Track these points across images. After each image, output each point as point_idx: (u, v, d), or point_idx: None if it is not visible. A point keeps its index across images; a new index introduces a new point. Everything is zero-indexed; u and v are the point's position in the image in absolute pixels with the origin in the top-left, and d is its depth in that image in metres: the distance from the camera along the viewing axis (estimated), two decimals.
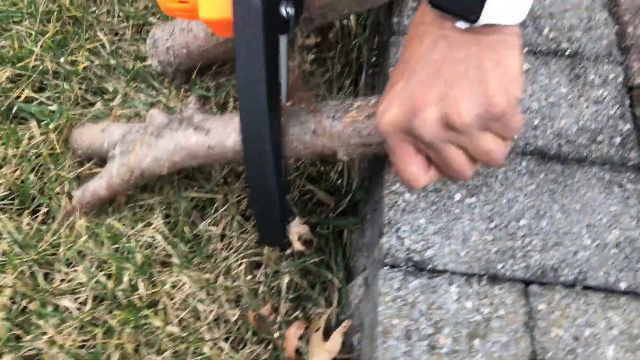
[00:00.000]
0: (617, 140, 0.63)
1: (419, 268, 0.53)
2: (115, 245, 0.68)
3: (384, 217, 0.55)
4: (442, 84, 0.43)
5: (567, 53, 0.68)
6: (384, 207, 0.56)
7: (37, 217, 0.71)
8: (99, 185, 0.67)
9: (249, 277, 0.67)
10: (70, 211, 0.69)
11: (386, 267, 0.52)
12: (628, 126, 0.64)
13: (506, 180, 0.59)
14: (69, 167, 0.74)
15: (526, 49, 0.68)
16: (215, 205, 0.72)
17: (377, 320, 0.50)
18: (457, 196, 0.57)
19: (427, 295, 0.51)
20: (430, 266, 0.53)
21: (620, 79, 0.67)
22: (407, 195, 0.56)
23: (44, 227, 0.70)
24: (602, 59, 0.68)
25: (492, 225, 0.56)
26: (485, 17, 0.40)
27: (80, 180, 0.73)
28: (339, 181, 0.74)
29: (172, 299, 0.65)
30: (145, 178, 0.66)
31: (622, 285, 0.54)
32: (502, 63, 0.42)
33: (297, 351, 0.63)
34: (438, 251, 0.54)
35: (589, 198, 0.58)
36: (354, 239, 0.69)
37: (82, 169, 0.74)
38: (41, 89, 0.82)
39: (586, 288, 0.54)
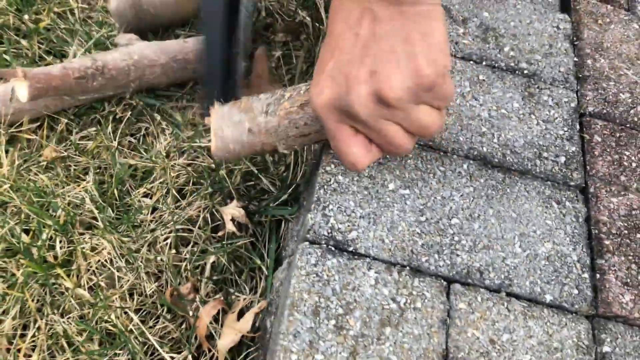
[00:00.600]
0: (562, 159, 0.62)
1: (339, 248, 0.51)
2: (40, 201, 0.65)
3: (314, 196, 0.53)
4: (371, 60, 0.43)
5: (524, 72, 0.69)
6: (315, 185, 0.54)
7: None
8: (55, 66, 0.65)
9: (174, 252, 0.64)
10: (13, 73, 0.64)
11: (306, 243, 0.50)
12: (574, 148, 0.64)
13: (444, 179, 0.57)
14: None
15: (484, 63, 0.68)
16: (153, 176, 0.69)
17: (288, 292, 0.47)
18: (391, 186, 0.55)
19: (343, 276, 0.49)
20: (351, 248, 0.51)
21: (573, 104, 0.67)
22: (340, 177, 0.55)
23: None
24: (558, 83, 0.69)
25: (423, 218, 0.54)
26: None
27: (13, 141, 0.70)
28: (285, 173, 0.72)
29: (88, 262, 0.62)
30: (106, 75, 0.66)
31: (547, 297, 0.52)
32: (428, 34, 0.42)
33: (209, 335, 0.59)
34: (362, 235, 0.52)
35: (526, 209, 0.57)
36: (289, 229, 0.67)
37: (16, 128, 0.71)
38: (1, 42, 0.80)
39: (510, 295, 0.52)
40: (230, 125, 0.54)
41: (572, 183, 0.61)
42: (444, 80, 0.43)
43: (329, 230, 0.51)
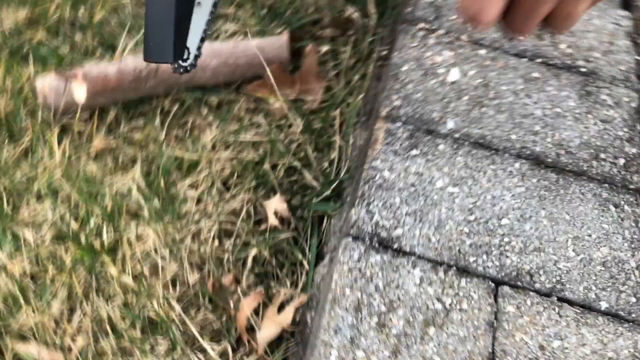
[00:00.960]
0: (621, 161, 0.59)
1: (383, 245, 0.49)
2: (90, 189, 0.66)
3: (358, 190, 0.52)
4: None
5: (582, 70, 0.66)
6: (360, 180, 0.53)
7: (21, 148, 0.70)
8: (110, 66, 0.67)
9: (217, 244, 0.65)
10: (73, 75, 0.65)
11: (349, 238, 0.49)
12: (635, 150, 0.60)
13: (495, 177, 0.55)
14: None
15: (538, 60, 0.65)
16: (199, 168, 0.70)
17: (330, 287, 0.46)
18: (439, 183, 0.54)
19: (387, 273, 0.48)
20: (396, 245, 0.49)
21: (634, 104, 0.64)
22: (386, 172, 0.54)
23: (24, 159, 0.69)
24: (618, 82, 0.65)
25: (472, 217, 0.52)
26: None
27: (65, 131, 0.72)
28: (328, 168, 0.71)
29: (133, 251, 0.63)
30: (159, 77, 0.66)
31: (603, 305, 0.50)
32: None
33: (249, 327, 0.59)
34: (408, 232, 0.50)
35: (580, 211, 0.55)
36: (332, 225, 0.66)
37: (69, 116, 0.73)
38: (56, 35, 0.82)
39: (562, 300, 0.50)
40: None
41: (631, 186, 0.58)
42: None
43: (373, 227, 0.50)
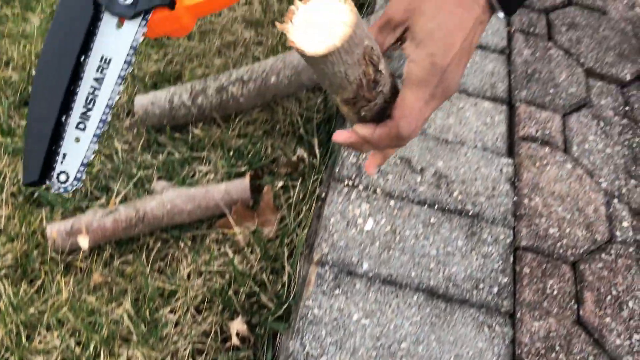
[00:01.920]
0: (495, 289, 0.79)
1: None
2: (90, 318, 0.84)
3: (295, 325, 0.71)
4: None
5: (469, 213, 0.86)
6: (297, 317, 0.72)
7: (33, 286, 0.87)
8: (107, 218, 0.85)
9: None
10: (79, 231, 0.85)
11: None
12: (507, 279, 0.80)
13: (398, 309, 0.74)
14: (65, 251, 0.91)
15: (436, 207, 0.86)
16: (177, 296, 0.88)
17: None
18: (355, 316, 0.73)
19: None
20: None
21: (508, 240, 0.84)
22: (316, 310, 0.72)
23: (36, 296, 0.86)
24: (498, 222, 0.86)
25: (379, 343, 0.71)
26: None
27: (70, 267, 0.90)
28: (281, 290, 0.90)
29: None
30: (145, 222, 0.84)
31: None
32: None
33: None
34: (331, 359, 0.69)
35: (462, 333, 0.74)
36: (283, 341, 0.84)
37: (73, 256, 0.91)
38: None
39: None
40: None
41: (502, 309, 0.77)
42: None
43: (305, 356, 0.68)
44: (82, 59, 0.60)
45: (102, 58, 0.61)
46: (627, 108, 1.13)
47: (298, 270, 0.90)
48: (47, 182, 0.60)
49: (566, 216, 0.89)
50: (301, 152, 1.08)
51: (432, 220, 0.84)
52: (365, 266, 0.78)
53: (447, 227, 0.84)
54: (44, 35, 1.20)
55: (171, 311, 0.87)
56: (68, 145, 0.61)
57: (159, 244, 0.93)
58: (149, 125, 1.06)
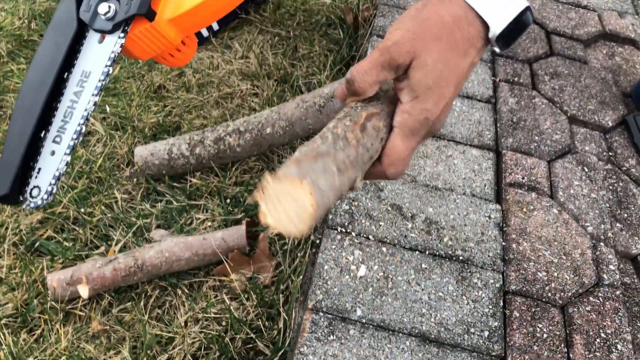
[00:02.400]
0: (486, 333, 0.81)
1: None
2: None
3: None
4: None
5: (460, 259, 0.89)
6: None
7: (33, 335, 0.89)
8: (106, 267, 0.87)
9: None
10: (79, 280, 0.86)
11: None
12: (497, 323, 0.82)
13: (391, 354, 0.76)
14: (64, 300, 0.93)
15: (427, 252, 0.89)
16: (174, 343, 0.89)
17: None
18: None
19: None
20: None
21: (498, 284, 0.87)
22: (310, 356, 0.74)
23: (35, 345, 0.88)
24: (487, 267, 0.89)
25: None
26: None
27: (69, 315, 0.92)
28: (277, 337, 0.91)
29: None
30: (144, 270, 0.86)
31: None
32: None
33: None
34: None
35: None
36: None
37: (73, 305, 0.93)
38: (61, 230, 1.04)
39: None
40: (321, 174, 0.46)
41: (493, 353, 0.79)
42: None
43: None
44: (66, 75, 0.62)
45: (82, 72, 0.63)
46: (610, 153, 1.17)
47: (293, 316, 0.91)
48: (21, 198, 0.60)
49: (554, 260, 0.91)
50: None
51: (423, 265, 0.87)
52: (359, 312, 0.80)
53: (438, 272, 0.86)
54: None
55: (169, 358, 0.88)
56: (44, 159, 0.61)
57: (157, 292, 0.95)
58: (148, 175, 1.09)
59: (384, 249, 0.88)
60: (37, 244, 1.01)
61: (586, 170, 1.09)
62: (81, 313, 0.92)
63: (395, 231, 0.91)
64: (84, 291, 0.87)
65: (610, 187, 1.10)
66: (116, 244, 1.01)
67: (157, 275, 0.95)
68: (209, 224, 1.07)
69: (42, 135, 0.62)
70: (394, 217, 0.92)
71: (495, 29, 0.50)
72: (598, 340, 0.83)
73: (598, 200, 1.04)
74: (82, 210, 1.06)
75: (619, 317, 0.86)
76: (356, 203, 0.93)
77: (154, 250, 0.92)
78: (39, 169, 0.62)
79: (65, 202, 1.05)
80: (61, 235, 1.02)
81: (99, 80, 0.64)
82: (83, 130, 0.63)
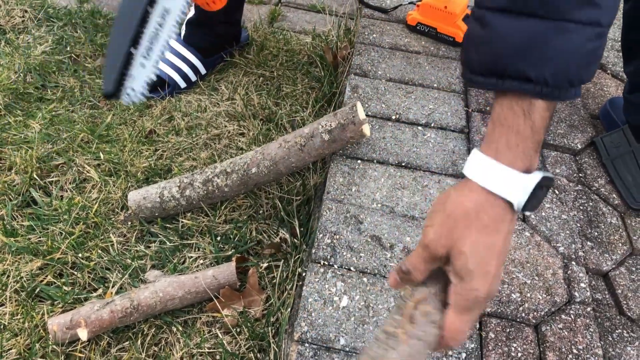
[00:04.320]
0: (463, 355, 0.85)
1: None
2: None
3: None
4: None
5: None
6: None
7: None
8: (104, 310, 0.92)
9: None
10: (78, 324, 0.93)
11: None
12: (473, 345, 0.87)
13: None
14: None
15: None
16: None
17: None
18: None
19: None
20: None
21: None
22: None
23: None
24: None
25: None
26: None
27: (70, 357, 0.97)
28: None
29: None
30: (140, 311, 0.91)
31: None
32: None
33: None
34: None
35: None
36: None
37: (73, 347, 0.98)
38: (60, 276, 1.09)
39: None
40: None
41: None
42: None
43: None
44: (150, 8, 0.86)
45: (163, 8, 0.87)
46: (580, 175, 1.24)
47: (283, 347, 0.96)
48: (119, 96, 0.87)
49: (527, 281, 0.97)
50: (283, 233, 1.17)
51: (401, 292, 0.92)
52: (342, 341, 0.85)
53: None
54: (45, 140, 1.32)
55: None
56: (135, 69, 0.87)
57: (153, 330, 1.00)
58: (141, 218, 1.15)
59: (365, 279, 0.93)
60: (37, 289, 1.06)
61: (557, 192, 1.15)
62: (81, 355, 0.97)
63: (375, 261, 0.96)
64: (83, 334, 0.91)
65: (581, 207, 1.15)
66: (113, 286, 1.06)
67: (152, 314, 0.99)
68: (201, 261, 1.12)
69: (132, 51, 0.86)
70: (373, 248, 0.98)
71: (519, 203, 0.54)
72: (570, 356, 0.87)
73: (569, 220, 1.09)
74: (80, 255, 1.11)
75: (590, 333, 0.91)
76: (337, 236, 0.99)
77: (149, 291, 0.97)
78: (132, 75, 0.88)
79: (64, 247, 1.11)
80: (60, 280, 1.07)
81: (178, 17, 0.90)
82: (165, 52, 0.92)
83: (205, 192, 1.14)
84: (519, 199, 0.53)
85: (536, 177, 0.53)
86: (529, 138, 0.53)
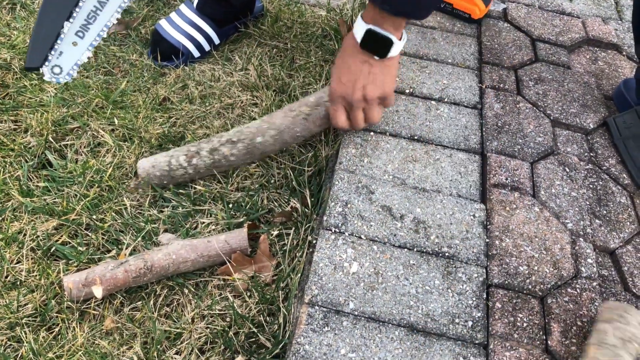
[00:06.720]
0: (470, 323, 0.87)
1: None
2: None
3: None
4: (366, 82, 1.04)
5: (446, 255, 0.95)
6: (291, 354, 0.80)
7: (52, 332, 0.96)
8: (118, 269, 0.94)
9: None
10: (93, 281, 0.95)
11: None
12: (480, 314, 0.89)
13: (381, 343, 0.83)
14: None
15: (415, 250, 0.95)
16: (182, 339, 0.96)
17: None
18: (343, 351, 0.81)
19: None
20: None
21: (481, 278, 0.93)
22: (307, 346, 0.81)
23: (54, 342, 0.95)
24: (471, 262, 0.95)
25: None
26: (390, 55, 1.02)
27: (84, 314, 0.99)
28: (277, 330, 0.98)
29: None
30: (153, 272, 0.93)
31: None
32: (390, 75, 1.05)
33: None
34: None
35: None
36: None
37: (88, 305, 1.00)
38: (75, 236, 1.11)
39: None
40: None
41: (476, 342, 0.85)
42: (391, 97, 1.08)
43: None
44: None
45: None
46: (591, 154, 1.24)
47: (292, 311, 0.98)
48: (41, 70, 0.82)
49: (535, 255, 0.98)
50: (294, 202, 1.18)
51: (411, 262, 0.93)
52: (352, 305, 0.86)
53: (425, 268, 0.93)
54: (60, 104, 1.33)
55: (177, 352, 0.95)
56: (65, 46, 0.81)
57: (165, 291, 1.02)
58: (153, 185, 1.17)
59: (375, 247, 0.95)
60: (53, 249, 1.08)
61: (567, 170, 1.16)
62: (95, 312, 0.99)
63: (385, 230, 0.97)
64: (98, 292, 0.94)
65: (591, 186, 1.16)
66: (126, 248, 1.08)
67: (165, 275, 1.02)
68: (213, 227, 1.14)
69: (64, 24, 0.81)
70: (384, 218, 0.99)
71: (360, 39, 1.02)
72: (574, 328, 0.89)
73: (578, 198, 1.10)
74: (94, 217, 1.13)
75: (595, 307, 0.92)
76: (349, 205, 1.00)
77: (162, 252, 0.99)
78: (60, 52, 0.82)
79: (78, 209, 1.13)
80: (75, 241, 1.09)
81: (122, 2, 0.84)
82: (104, 35, 0.85)
83: (212, 160, 1.16)
84: (358, 37, 1.01)
85: (365, 26, 1.00)
86: (387, 19, 0.99)
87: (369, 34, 0.99)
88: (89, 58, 0.82)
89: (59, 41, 0.82)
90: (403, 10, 0.96)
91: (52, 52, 0.82)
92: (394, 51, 1.00)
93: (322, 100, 1.15)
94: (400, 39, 1.01)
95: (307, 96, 1.15)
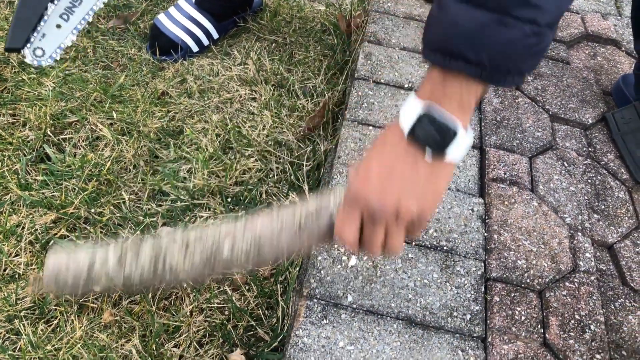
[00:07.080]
0: (468, 317, 0.87)
1: None
2: (101, 354, 0.92)
3: (287, 353, 0.79)
4: (405, 190, 0.64)
5: (444, 249, 0.96)
6: (289, 346, 0.80)
7: (50, 325, 0.96)
8: None
9: None
10: None
11: None
12: (478, 307, 0.89)
13: (379, 336, 0.83)
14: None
15: (414, 243, 0.96)
16: (180, 332, 0.96)
17: None
18: (341, 343, 0.81)
19: None
20: None
21: (480, 272, 0.93)
22: (305, 339, 0.81)
23: (52, 334, 0.95)
24: (470, 255, 0.95)
25: None
26: (449, 154, 0.63)
27: (82, 307, 0.99)
28: (276, 324, 0.98)
29: None
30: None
31: None
32: (437, 188, 0.66)
33: None
34: None
35: (438, 357, 0.82)
36: None
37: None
38: (73, 229, 1.11)
39: None
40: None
41: (474, 335, 0.85)
42: (424, 221, 0.67)
43: None
44: None
45: None
46: (590, 149, 1.24)
47: (291, 305, 0.98)
48: (22, 51, 0.78)
49: (533, 249, 0.98)
50: (293, 196, 1.18)
51: (410, 255, 0.93)
52: (350, 298, 0.87)
53: (424, 261, 0.93)
54: (58, 98, 1.33)
55: (175, 345, 0.95)
56: (49, 28, 0.79)
57: (163, 284, 1.02)
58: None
59: None
60: (51, 242, 1.08)
61: (566, 165, 1.16)
62: (94, 305, 0.99)
63: None
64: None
65: (589, 181, 1.16)
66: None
67: None
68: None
69: (48, 5, 0.78)
70: None
71: (407, 127, 0.64)
72: (572, 321, 0.89)
73: (576, 193, 1.10)
74: (93, 210, 1.13)
75: (593, 301, 0.93)
76: None
77: None
78: (43, 34, 0.80)
79: (77, 202, 1.12)
80: (74, 234, 1.09)
81: None
82: (89, 20, 0.82)
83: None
84: (407, 123, 0.64)
85: (422, 105, 0.63)
86: (453, 97, 0.63)
87: (424, 117, 0.63)
88: (73, 42, 0.81)
89: (42, 23, 0.79)
90: (503, 65, 0.60)
91: (35, 34, 0.80)
92: (456, 150, 0.64)
93: (327, 209, 0.73)
94: (466, 130, 0.65)
95: (305, 201, 0.80)
